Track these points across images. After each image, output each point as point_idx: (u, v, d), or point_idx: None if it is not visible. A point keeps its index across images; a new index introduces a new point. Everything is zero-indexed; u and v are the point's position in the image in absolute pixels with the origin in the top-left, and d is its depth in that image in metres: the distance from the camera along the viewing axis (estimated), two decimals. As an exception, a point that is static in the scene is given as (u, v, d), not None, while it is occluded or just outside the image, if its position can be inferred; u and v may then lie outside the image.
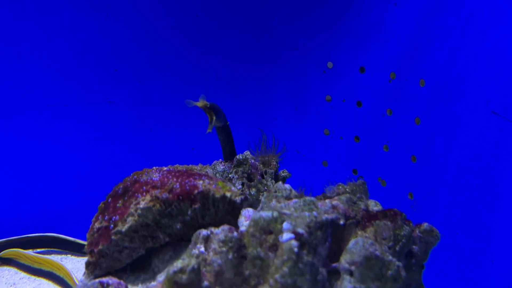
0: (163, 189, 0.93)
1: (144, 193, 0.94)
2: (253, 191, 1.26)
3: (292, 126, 2.08)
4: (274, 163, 1.36)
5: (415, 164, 1.59)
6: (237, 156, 1.33)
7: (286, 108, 2.07)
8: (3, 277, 1.62)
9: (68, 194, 2.03)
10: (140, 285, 0.92)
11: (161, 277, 0.90)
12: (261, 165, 1.34)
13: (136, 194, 0.94)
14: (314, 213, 0.86)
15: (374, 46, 1.81)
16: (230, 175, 1.29)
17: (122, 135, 2.11)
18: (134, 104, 2.15)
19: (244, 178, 1.28)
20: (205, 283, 0.84)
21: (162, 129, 2.19)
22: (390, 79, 1.70)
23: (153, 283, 0.89)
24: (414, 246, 0.93)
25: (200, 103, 1.30)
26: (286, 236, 0.80)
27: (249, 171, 1.30)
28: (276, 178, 1.36)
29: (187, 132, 2.23)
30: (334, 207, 0.91)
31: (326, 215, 0.87)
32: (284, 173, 1.39)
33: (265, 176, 1.32)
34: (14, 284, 1.59)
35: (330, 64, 1.93)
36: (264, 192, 1.28)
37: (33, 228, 1.90)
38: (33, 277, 1.64)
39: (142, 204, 0.91)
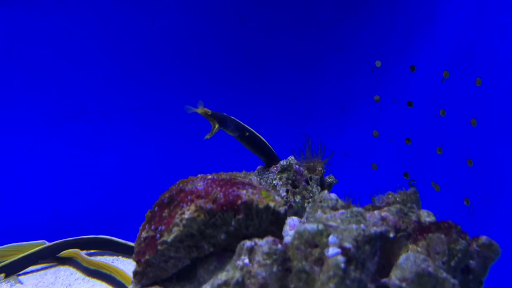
0: (207, 199, 0.92)
1: (189, 203, 0.94)
2: (298, 198, 1.24)
3: (338, 128, 2.02)
4: (320, 168, 1.33)
5: (471, 167, 1.49)
6: (281, 162, 1.31)
7: (332, 110, 2.02)
8: (59, 277, 1.70)
9: (119, 197, 2.10)
10: (185, 295, 0.92)
11: (207, 287, 0.90)
12: (306, 171, 1.31)
13: (181, 203, 0.95)
14: (362, 226, 0.82)
15: (425, 43, 1.72)
16: (274, 182, 1.28)
17: (169, 139, 2.15)
18: (180, 108, 2.18)
19: (289, 185, 1.26)
20: (250, 296, 0.83)
21: (207, 132, 2.21)
22: (443, 78, 1.61)
23: (198, 294, 0.89)
24: (471, 261, 0.87)
25: (199, 110, 1.31)
26: (332, 251, 0.77)
27: (294, 177, 1.27)
28: (322, 184, 1.32)
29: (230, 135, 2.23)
30: (383, 218, 0.87)
31: (375, 228, 0.83)
32: (330, 179, 1.36)
33: (310, 183, 1.29)
34: (69, 285, 1.66)
35: (378, 63, 1.86)
36: (309, 200, 1.26)
37: (87, 229, 1.98)
38: (87, 278, 1.70)
39: (187, 214, 0.91)
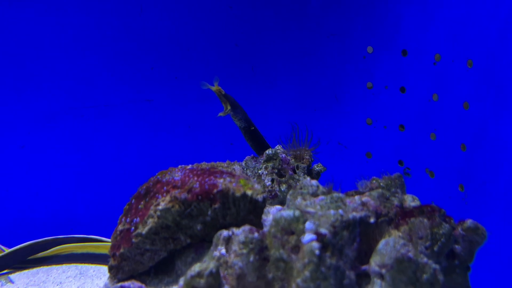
0: (183, 189, 0.90)
1: (165, 194, 0.91)
2: (283, 187, 1.21)
3: (332, 116, 1.99)
4: (307, 157, 1.29)
5: (465, 152, 1.45)
6: (267, 151, 1.27)
7: (326, 98, 1.98)
8: (51, 275, 1.68)
9: (112, 192, 2.08)
10: (163, 288, 0.89)
11: (182, 280, 0.87)
12: (293, 160, 1.28)
13: (157, 195, 0.92)
14: (340, 211, 0.79)
15: (416, 27, 1.68)
16: (259, 171, 1.24)
17: (161, 133, 2.12)
18: (171, 101, 2.16)
19: (274, 174, 1.22)
20: (226, 287, 0.80)
21: (200, 125, 2.19)
22: (435, 61, 1.57)
23: (175, 287, 0.86)
24: (456, 246, 0.83)
25: (214, 87, 1.29)
26: (307, 237, 0.74)
27: (280, 166, 1.24)
28: (310, 173, 1.29)
29: (225, 127, 2.20)
30: (363, 203, 0.83)
31: (354, 213, 0.80)
32: (318, 167, 1.32)
33: (297, 171, 1.25)
34: (60, 283, 1.64)
35: (370, 49, 1.82)
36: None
37: (80, 226, 1.96)
38: (78, 276, 1.68)
39: (161, 205, 0.88)
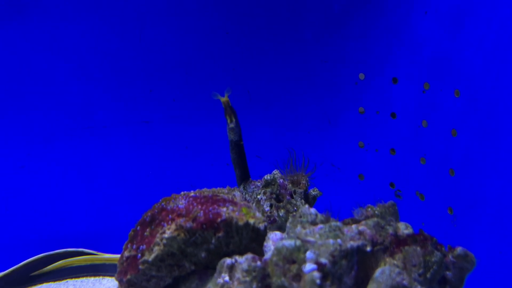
0: (188, 217, 0.94)
1: (170, 222, 0.95)
2: (281, 212, 1.25)
3: (325, 139, 2.04)
4: (304, 182, 1.34)
5: (454, 177, 1.52)
6: (265, 177, 1.32)
7: (319, 121, 2.04)
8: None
9: (110, 213, 2.10)
10: (168, 314, 0.93)
11: (187, 306, 0.91)
12: (290, 185, 1.33)
13: (162, 222, 0.96)
14: (339, 240, 0.84)
15: (406, 56, 1.75)
16: (258, 196, 1.29)
17: (159, 154, 2.16)
18: (169, 122, 2.20)
19: (273, 199, 1.27)
20: (230, 313, 0.84)
21: (197, 145, 2.23)
22: (424, 90, 1.64)
23: (179, 313, 0.90)
24: (448, 272, 0.88)
25: (224, 99, 1.33)
26: (308, 267, 0.79)
27: (278, 191, 1.29)
28: (307, 198, 1.34)
29: (222, 148, 2.24)
30: (360, 232, 0.88)
31: (351, 242, 0.85)
32: (314, 191, 1.37)
33: (294, 196, 1.30)
34: None
35: (361, 76, 1.89)
36: (294, 213, 1.27)
37: (78, 246, 1.98)
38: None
39: (167, 234, 0.92)
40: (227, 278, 0.87)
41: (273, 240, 1.08)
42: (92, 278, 1.80)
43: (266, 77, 2.13)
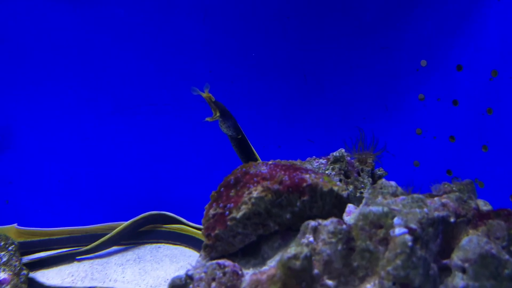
0: (273, 180, 0.99)
1: (255, 184, 1.00)
2: (350, 188, 1.29)
3: (381, 126, 2.06)
4: (370, 161, 1.38)
5: (518, 166, 1.51)
6: (333, 153, 1.36)
7: (376, 107, 2.06)
8: (112, 258, 1.80)
9: (166, 186, 2.19)
10: (251, 269, 0.98)
11: (271, 262, 0.97)
12: (357, 163, 1.36)
13: (248, 184, 1.01)
14: (425, 209, 0.87)
15: (473, 42, 1.74)
16: (327, 171, 1.33)
17: (215, 133, 2.23)
18: (224, 103, 2.26)
19: (341, 175, 1.31)
20: (316, 271, 0.89)
21: (252, 127, 2.28)
22: (491, 77, 1.63)
23: (265, 268, 0.95)
24: (529, 248, 0.90)
25: (204, 94, 1.35)
26: (399, 230, 0.82)
27: (346, 168, 1.32)
28: (373, 176, 1.37)
29: (274, 130, 2.30)
30: (443, 204, 0.91)
31: (437, 212, 0.88)
32: (380, 171, 1.40)
33: (361, 174, 1.34)
34: (122, 264, 1.75)
35: (423, 62, 1.89)
36: (361, 190, 1.30)
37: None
38: (137, 260, 1.80)
39: (254, 194, 0.97)
40: (311, 238, 0.92)
41: (346, 211, 1.12)
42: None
43: (323, 61, 2.15)
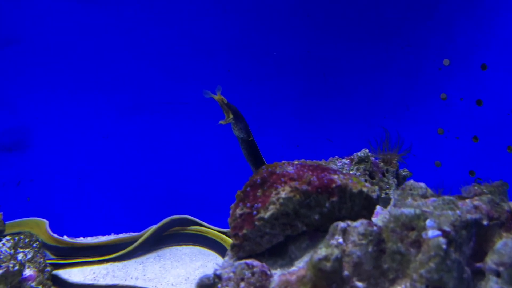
0: (301, 181, 0.98)
1: (283, 184, 1.00)
2: (375, 188, 1.28)
3: (402, 125, 2.03)
4: (395, 161, 1.36)
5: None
6: (358, 153, 1.35)
7: (396, 106, 2.04)
8: (133, 256, 1.81)
9: (183, 185, 2.20)
10: (278, 269, 0.98)
11: (299, 263, 0.96)
12: (382, 163, 1.35)
13: (275, 184, 1.01)
14: (458, 212, 0.86)
15: (498, 41, 1.71)
16: (351, 172, 1.32)
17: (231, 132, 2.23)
18: (243, 102, 2.26)
19: (366, 176, 1.30)
20: (346, 272, 0.88)
21: (270, 125, 2.28)
22: (518, 77, 1.60)
23: (293, 268, 0.95)
24: None
25: (217, 97, 1.34)
26: (432, 233, 0.81)
27: (371, 168, 1.31)
28: (397, 177, 1.36)
29: (292, 130, 2.29)
30: (476, 207, 0.90)
31: (469, 215, 0.87)
32: (404, 172, 1.39)
33: (386, 175, 1.32)
34: (142, 262, 1.76)
35: (446, 61, 1.87)
36: (386, 191, 1.29)
37: (156, 213, 2.09)
38: (157, 258, 1.81)
39: (283, 194, 0.97)
40: (341, 240, 0.91)
41: (387, 211, 1.11)
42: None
43: (342, 59, 2.14)
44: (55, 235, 1.77)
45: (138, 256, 1.79)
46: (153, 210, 2.09)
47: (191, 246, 1.92)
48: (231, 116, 1.41)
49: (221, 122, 1.43)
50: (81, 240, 2.00)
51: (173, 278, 1.64)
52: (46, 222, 1.79)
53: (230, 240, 1.74)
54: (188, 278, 1.63)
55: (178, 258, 1.82)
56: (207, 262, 1.78)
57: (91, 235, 2.10)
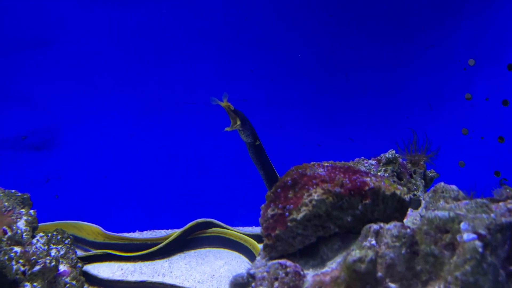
0: (334, 183, 1.00)
1: (315, 186, 1.01)
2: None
3: (425, 125, 2.03)
4: (422, 162, 1.37)
5: None
6: (385, 154, 1.36)
7: (420, 107, 2.04)
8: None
9: (206, 184, 2.23)
10: (310, 270, 1.00)
11: (332, 264, 0.98)
12: (409, 165, 1.35)
13: (307, 186, 1.02)
14: (492, 215, 0.86)
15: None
16: (379, 173, 1.33)
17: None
18: (265, 102, 2.28)
19: (394, 177, 1.31)
20: (379, 274, 0.90)
21: (291, 126, 2.29)
22: (546, 78, 1.59)
23: (326, 269, 0.97)
24: None
25: (223, 103, 1.35)
26: (467, 236, 0.82)
27: (399, 170, 1.32)
28: (424, 178, 1.36)
29: (314, 129, 2.30)
30: (510, 210, 0.90)
31: (504, 218, 0.87)
32: (431, 173, 1.39)
33: (414, 176, 1.33)
34: (168, 260, 1.80)
35: (471, 61, 1.86)
36: (414, 192, 1.30)
37: (179, 212, 2.13)
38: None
39: (315, 196, 0.99)
40: (373, 242, 0.92)
41: (420, 214, 1.12)
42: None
43: (365, 59, 2.14)
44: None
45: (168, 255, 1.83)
46: (176, 208, 2.13)
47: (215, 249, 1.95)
48: (238, 122, 1.43)
49: (227, 129, 1.45)
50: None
51: (199, 275, 1.67)
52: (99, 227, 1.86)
53: (251, 240, 1.76)
54: (213, 275, 1.66)
55: (203, 255, 1.85)
56: (231, 260, 1.80)
57: (115, 232, 2.14)
